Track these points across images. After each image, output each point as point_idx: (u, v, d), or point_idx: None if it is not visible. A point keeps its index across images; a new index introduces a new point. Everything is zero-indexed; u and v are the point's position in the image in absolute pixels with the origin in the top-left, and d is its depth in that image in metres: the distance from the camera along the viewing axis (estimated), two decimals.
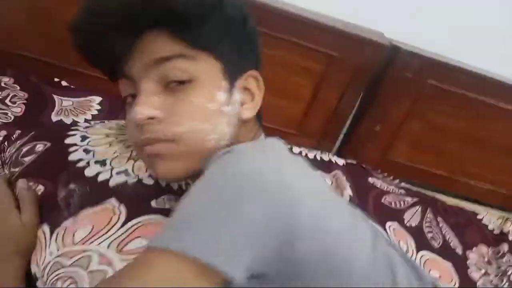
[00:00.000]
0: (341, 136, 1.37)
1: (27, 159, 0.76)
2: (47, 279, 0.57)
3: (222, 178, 0.52)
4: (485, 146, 1.36)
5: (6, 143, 0.86)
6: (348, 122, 1.35)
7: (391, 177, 1.36)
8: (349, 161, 1.29)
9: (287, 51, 1.19)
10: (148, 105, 0.59)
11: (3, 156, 0.83)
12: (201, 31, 0.60)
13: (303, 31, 1.17)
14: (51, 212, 0.64)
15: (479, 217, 1.35)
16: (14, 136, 0.88)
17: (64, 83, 1.16)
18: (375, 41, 1.20)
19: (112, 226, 0.60)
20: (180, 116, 0.59)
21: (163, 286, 0.46)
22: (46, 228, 0.63)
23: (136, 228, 0.60)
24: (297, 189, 0.52)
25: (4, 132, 0.91)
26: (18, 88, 1.08)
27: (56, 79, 1.16)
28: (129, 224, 0.61)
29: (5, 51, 1.15)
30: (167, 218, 0.61)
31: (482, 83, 1.26)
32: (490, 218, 1.34)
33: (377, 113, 1.32)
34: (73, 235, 0.60)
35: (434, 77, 1.27)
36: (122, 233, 0.59)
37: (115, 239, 0.59)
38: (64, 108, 1.07)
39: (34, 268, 0.60)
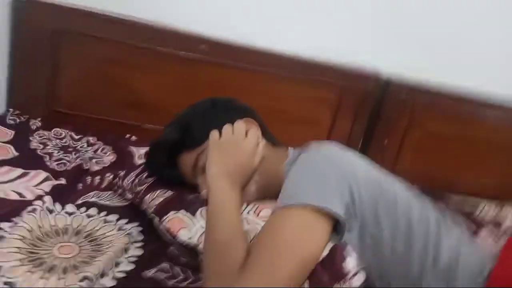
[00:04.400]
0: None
1: (150, 179, 1.02)
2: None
3: (312, 160, 0.81)
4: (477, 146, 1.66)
5: (117, 179, 1.12)
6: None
7: None
8: None
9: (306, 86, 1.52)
10: None
11: (122, 186, 1.08)
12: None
13: (318, 71, 1.51)
14: (183, 203, 0.90)
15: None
16: (121, 174, 1.13)
17: (133, 137, 1.44)
18: (373, 74, 1.54)
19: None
20: None
21: (298, 228, 0.72)
22: (184, 212, 0.89)
23: (259, 206, 0.87)
24: (354, 163, 0.82)
25: (109, 174, 1.18)
26: (103, 143, 1.35)
27: (127, 135, 1.43)
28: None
29: (83, 115, 1.44)
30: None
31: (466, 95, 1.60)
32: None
33: (383, 130, 1.63)
34: None
35: (422, 96, 1.60)
36: (252, 207, 0.86)
37: (248, 211, 0.85)
38: (141, 155, 1.33)
39: (184, 235, 0.85)
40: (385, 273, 0.79)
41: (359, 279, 0.76)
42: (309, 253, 0.71)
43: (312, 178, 0.77)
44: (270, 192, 0.92)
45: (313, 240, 0.72)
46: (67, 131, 1.37)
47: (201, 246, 0.83)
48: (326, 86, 1.53)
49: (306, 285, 0.71)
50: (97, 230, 0.95)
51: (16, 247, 0.84)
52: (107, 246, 0.90)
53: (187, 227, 0.86)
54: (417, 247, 0.79)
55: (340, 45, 1.53)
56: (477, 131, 1.65)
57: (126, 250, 0.91)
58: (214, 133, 0.91)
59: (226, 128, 0.91)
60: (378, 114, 1.61)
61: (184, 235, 0.85)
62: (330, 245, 0.76)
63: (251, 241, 0.75)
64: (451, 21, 1.55)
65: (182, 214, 0.89)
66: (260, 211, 0.85)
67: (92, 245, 0.90)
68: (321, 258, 0.73)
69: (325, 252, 0.75)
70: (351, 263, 0.75)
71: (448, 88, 1.59)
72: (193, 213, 0.89)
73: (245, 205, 0.88)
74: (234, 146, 0.89)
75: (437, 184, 1.68)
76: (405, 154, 1.67)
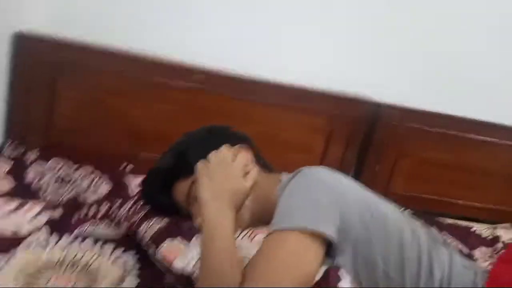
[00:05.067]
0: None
1: (146, 208, 1.03)
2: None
3: (303, 184, 0.83)
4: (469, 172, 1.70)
5: (114, 208, 1.13)
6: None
7: None
8: None
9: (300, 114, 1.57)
10: None
11: (118, 215, 1.09)
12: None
13: (311, 99, 1.56)
14: (179, 230, 0.92)
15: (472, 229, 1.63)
16: (117, 202, 1.14)
17: (129, 166, 1.45)
18: (364, 100, 1.58)
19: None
20: None
21: (293, 250, 0.74)
22: (180, 239, 0.90)
23: (253, 231, 0.88)
24: (345, 186, 0.85)
25: (106, 203, 1.19)
26: (100, 173, 1.36)
27: (123, 164, 1.45)
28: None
29: (80, 145, 1.46)
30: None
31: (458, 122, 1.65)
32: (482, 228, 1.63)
33: (374, 156, 1.66)
34: None
35: (414, 122, 1.64)
36: (246, 233, 0.87)
37: (242, 236, 0.86)
38: (137, 185, 1.35)
39: (179, 263, 0.86)
40: None
41: None
42: (305, 273, 0.73)
43: (305, 202, 0.80)
44: (263, 218, 0.94)
45: (308, 261, 0.74)
46: (64, 161, 1.38)
47: (195, 274, 0.84)
48: (319, 113, 1.58)
49: None
50: (93, 261, 0.95)
51: (14, 280, 0.84)
52: (103, 277, 0.91)
53: (182, 255, 0.87)
54: (409, 272, 0.81)
55: (333, 73, 1.59)
56: (468, 156, 1.70)
57: (122, 280, 0.91)
58: (200, 162, 0.93)
59: (212, 154, 0.94)
60: (370, 141, 1.65)
61: (178, 263, 0.86)
62: (323, 268, 0.77)
63: (246, 265, 0.76)
64: (442, 49, 1.62)
65: (178, 242, 0.90)
66: (254, 236, 0.87)
67: (88, 276, 0.91)
68: (315, 281, 0.75)
69: (319, 275, 0.76)
70: (345, 284, 0.77)
71: (439, 114, 1.65)
72: (189, 240, 0.90)
73: (239, 231, 0.89)
74: (221, 171, 0.90)
75: (429, 209, 1.71)
76: (396, 179, 1.70)
